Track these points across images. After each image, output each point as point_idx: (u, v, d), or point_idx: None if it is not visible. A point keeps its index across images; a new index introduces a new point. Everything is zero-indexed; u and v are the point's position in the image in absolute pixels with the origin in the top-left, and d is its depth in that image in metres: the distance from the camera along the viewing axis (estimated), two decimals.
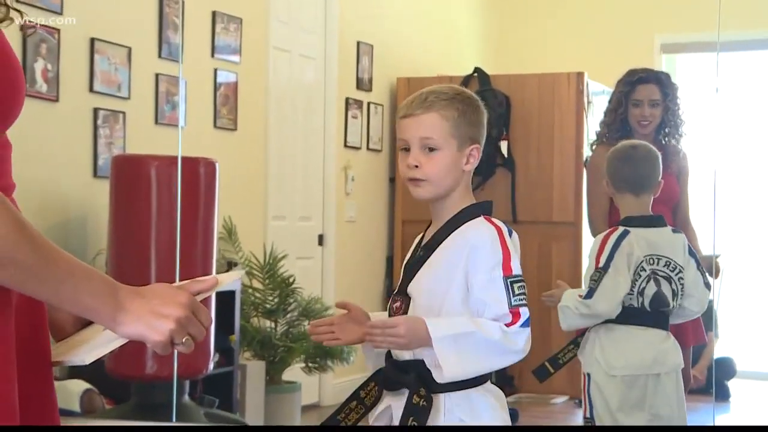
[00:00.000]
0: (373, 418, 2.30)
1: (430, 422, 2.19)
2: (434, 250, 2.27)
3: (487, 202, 2.32)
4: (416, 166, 2.25)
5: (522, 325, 2.15)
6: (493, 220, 2.25)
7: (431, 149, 2.24)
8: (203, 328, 1.46)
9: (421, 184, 2.26)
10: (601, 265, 3.44)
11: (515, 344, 2.15)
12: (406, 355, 2.25)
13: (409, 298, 2.27)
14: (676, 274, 3.54)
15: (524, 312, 2.16)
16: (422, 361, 2.21)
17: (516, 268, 2.19)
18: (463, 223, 2.25)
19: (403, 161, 2.28)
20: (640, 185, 3.55)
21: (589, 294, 3.41)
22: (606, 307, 3.41)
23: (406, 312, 2.26)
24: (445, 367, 2.14)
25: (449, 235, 2.26)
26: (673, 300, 3.54)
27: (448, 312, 2.21)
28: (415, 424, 2.17)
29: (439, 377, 2.17)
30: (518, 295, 2.16)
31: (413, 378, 2.20)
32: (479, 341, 2.13)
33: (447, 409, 2.21)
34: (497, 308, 2.16)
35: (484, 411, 2.22)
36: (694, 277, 3.60)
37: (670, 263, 3.54)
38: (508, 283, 2.17)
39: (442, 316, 2.21)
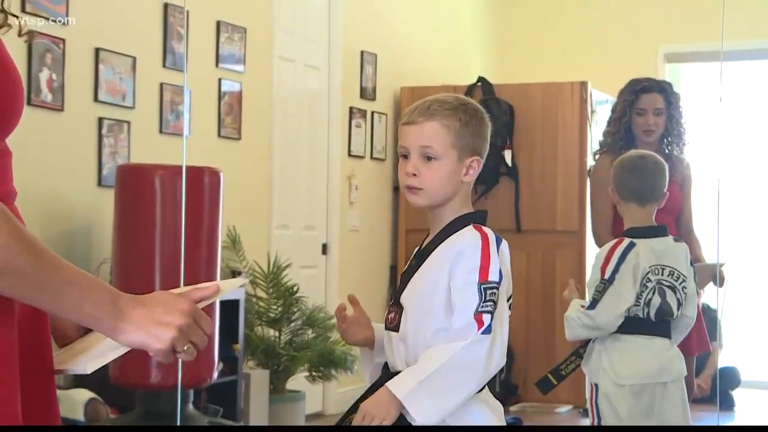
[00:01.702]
0: None
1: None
2: (425, 259, 2.27)
3: (481, 211, 2.31)
4: (414, 175, 2.24)
5: (483, 332, 2.14)
6: (483, 228, 2.24)
7: (430, 158, 2.23)
8: (205, 335, 1.46)
9: (418, 192, 2.25)
10: (606, 276, 3.44)
11: (479, 357, 2.13)
12: (399, 366, 2.26)
13: (402, 308, 2.28)
14: (680, 284, 3.54)
15: (486, 319, 2.15)
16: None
17: (493, 275, 2.17)
18: (454, 232, 2.25)
19: (402, 168, 2.28)
20: (646, 196, 3.55)
21: (592, 305, 3.43)
22: (607, 320, 3.42)
23: (399, 322, 2.28)
24: (420, 418, 2.14)
25: (440, 244, 2.25)
26: (677, 309, 3.54)
27: (433, 319, 2.22)
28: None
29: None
30: (487, 301, 2.15)
31: None
32: (445, 375, 2.13)
33: None
34: (464, 315, 2.16)
35: (474, 419, 2.22)
36: (693, 286, 3.61)
37: (674, 272, 3.54)
38: (482, 289, 2.16)
39: (428, 323, 2.22)
